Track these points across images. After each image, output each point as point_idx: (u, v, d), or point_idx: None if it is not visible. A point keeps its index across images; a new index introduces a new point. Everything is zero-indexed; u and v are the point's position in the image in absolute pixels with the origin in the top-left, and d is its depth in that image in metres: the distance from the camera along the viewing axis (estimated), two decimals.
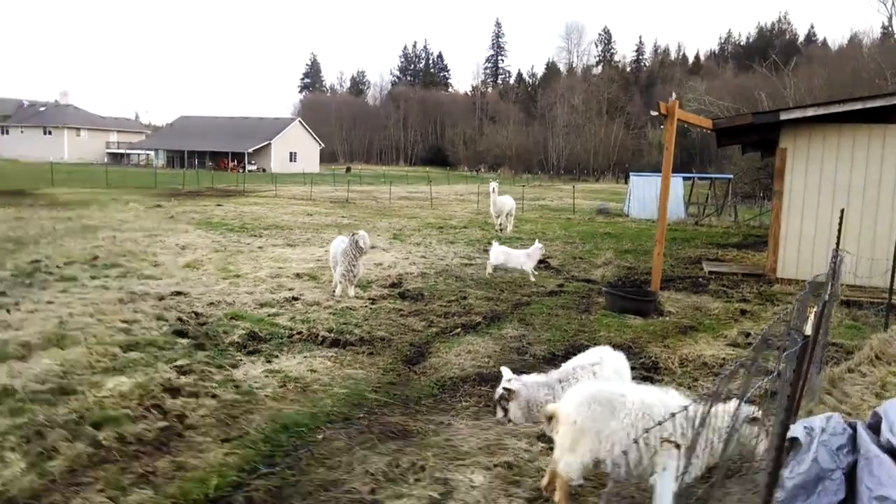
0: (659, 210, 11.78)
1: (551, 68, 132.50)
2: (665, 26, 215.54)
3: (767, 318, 11.47)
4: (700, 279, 15.12)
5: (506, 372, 5.46)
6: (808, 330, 3.65)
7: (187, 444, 5.50)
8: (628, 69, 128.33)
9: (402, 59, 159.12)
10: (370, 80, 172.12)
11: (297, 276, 13.07)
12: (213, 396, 6.52)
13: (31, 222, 20.58)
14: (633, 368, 8.73)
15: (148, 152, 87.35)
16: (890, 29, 64.70)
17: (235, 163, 78.41)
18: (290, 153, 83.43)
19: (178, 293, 10.93)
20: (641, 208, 30.01)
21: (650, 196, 30.63)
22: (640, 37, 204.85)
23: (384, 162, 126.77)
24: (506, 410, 5.46)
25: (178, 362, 7.43)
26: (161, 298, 10.55)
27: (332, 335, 9.06)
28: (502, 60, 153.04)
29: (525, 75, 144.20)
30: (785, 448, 4.74)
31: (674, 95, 12.06)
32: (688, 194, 33.61)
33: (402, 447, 5.62)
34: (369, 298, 11.53)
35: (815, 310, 3.62)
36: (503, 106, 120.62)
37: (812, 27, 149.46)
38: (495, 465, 5.29)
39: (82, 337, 8.11)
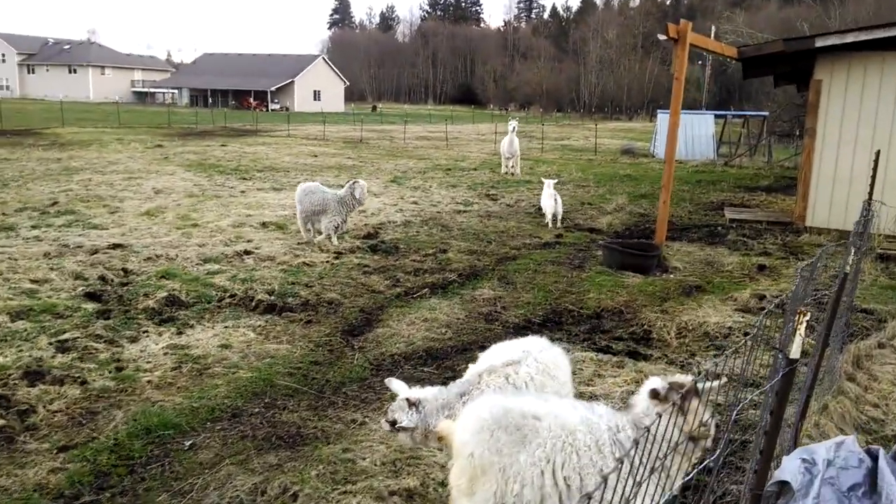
0: (666, 151, 10.20)
1: (587, 2, 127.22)
2: None
3: (789, 275, 9.96)
4: (719, 227, 13.53)
5: (397, 387, 4.02)
6: (795, 352, 2.29)
7: (11, 456, 4.35)
8: (668, 2, 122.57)
9: None
10: (399, 15, 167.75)
11: (263, 225, 11.83)
12: (82, 383, 5.36)
13: (14, 164, 19.61)
14: (620, 339, 7.46)
15: (172, 91, 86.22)
16: None
17: (258, 102, 76.93)
18: (314, 92, 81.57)
19: (118, 245, 9.78)
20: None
21: (679, 135, 28.59)
22: None
23: (413, 101, 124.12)
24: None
25: (65, 335, 6.28)
26: (94, 252, 9.41)
27: (272, 298, 7.83)
28: None
29: (560, 9, 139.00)
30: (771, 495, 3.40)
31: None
32: (720, 133, 31.41)
33: (283, 461, 4.40)
34: (334, 252, 10.27)
35: (803, 327, 2.24)
36: (535, 42, 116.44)
37: None
38: (392, 493, 4.05)
39: None
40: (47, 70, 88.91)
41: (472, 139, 39.43)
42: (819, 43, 12.09)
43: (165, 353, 6.08)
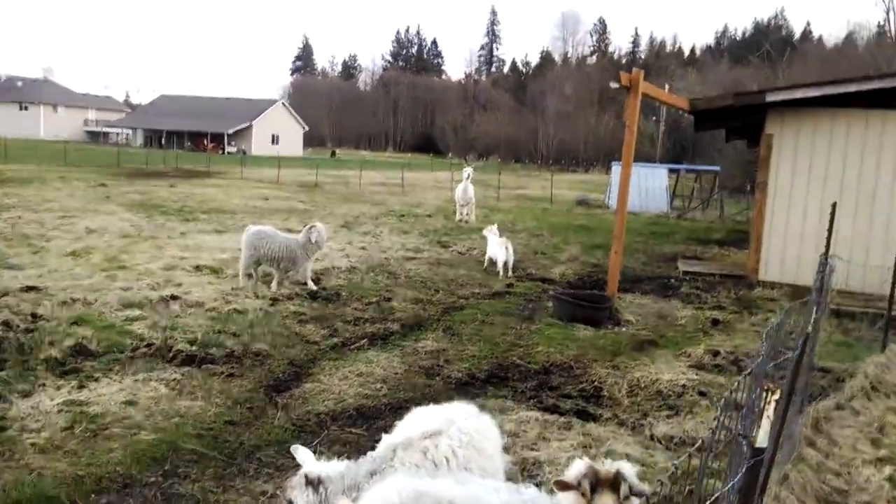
0: (617, 202, 9.93)
1: (546, 58, 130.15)
2: (661, 19, 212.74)
3: (743, 330, 9.66)
4: (672, 280, 13.28)
5: (302, 457, 3.38)
6: (763, 439, 1.83)
7: None
8: (623, 60, 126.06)
9: (395, 44, 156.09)
10: (362, 64, 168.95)
11: (197, 268, 11.16)
12: None
13: None
14: (569, 396, 6.97)
15: (126, 131, 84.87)
16: (887, 26, 62.93)
17: (214, 144, 76.04)
18: (273, 136, 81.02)
19: (32, 288, 9.02)
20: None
21: (634, 187, 28.65)
22: (636, 28, 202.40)
23: (373, 148, 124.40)
24: None
25: None
26: (4, 294, 8.64)
27: (193, 349, 7.18)
28: (497, 48, 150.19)
29: (519, 64, 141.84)
30: None
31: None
32: (673, 186, 31.74)
33: None
34: (270, 298, 9.66)
35: (772, 408, 1.78)
36: (495, 94, 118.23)
37: (808, 24, 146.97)
38: None
39: None
40: None
41: (430, 186, 39.23)
42: (770, 98, 12.09)
43: (60, 411, 5.39)
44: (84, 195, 22.36)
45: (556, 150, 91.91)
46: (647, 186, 28.71)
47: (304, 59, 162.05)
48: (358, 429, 5.63)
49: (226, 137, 76.09)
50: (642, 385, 7.24)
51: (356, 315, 9.18)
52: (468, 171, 21.03)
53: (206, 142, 76.06)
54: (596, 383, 7.24)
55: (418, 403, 6.25)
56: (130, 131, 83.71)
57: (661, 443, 5.92)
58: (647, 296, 11.53)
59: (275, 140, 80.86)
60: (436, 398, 6.43)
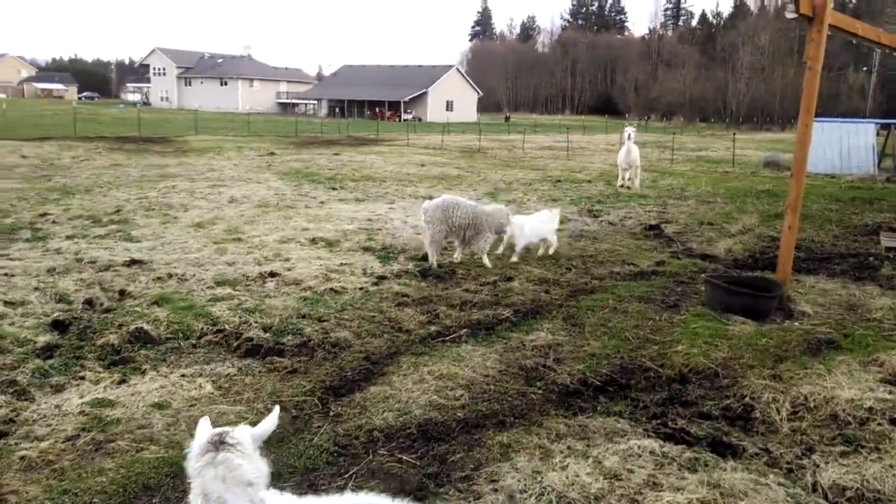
0: (794, 164, 7.83)
1: (739, 7, 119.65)
2: None
3: None
4: (871, 258, 10.79)
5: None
6: None
7: None
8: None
9: (575, 3, 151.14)
10: (540, 25, 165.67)
11: (313, 241, 10.50)
12: None
13: (119, 169, 19.72)
14: (707, 417, 5.37)
15: (313, 102, 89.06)
16: None
17: (392, 112, 77.66)
18: (447, 102, 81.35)
19: (136, 262, 8.74)
20: (820, 160, 24.37)
21: (832, 145, 24.98)
22: None
23: (550, 111, 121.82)
24: None
25: None
26: (106, 269, 8.39)
27: (265, 336, 6.39)
28: (685, 0, 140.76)
29: (709, 15, 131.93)
30: None
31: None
32: (883, 144, 27.19)
33: None
34: (378, 275, 8.75)
35: None
36: (680, 50, 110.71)
37: None
38: None
39: None
40: (202, 82, 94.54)
41: (600, 149, 36.99)
42: None
43: (80, 413, 4.73)
44: (249, 164, 22.96)
45: (748, 107, 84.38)
46: (850, 145, 24.77)
47: (483, 24, 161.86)
48: (411, 455, 4.48)
49: (402, 105, 77.39)
50: (811, 405, 5.46)
51: (465, 298, 8.01)
52: (630, 130, 18.98)
53: (383, 110, 77.90)
54: (747, 399, 5.56)
55: (501, 422, 5.03)
56: (316, 102, 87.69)
57: (826, 498, 4.25)
58: (834, 279, 9.32)
59: (449, 106, 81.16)
60: (526, 414, 5.15)
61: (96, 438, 4.39)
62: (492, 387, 5.63)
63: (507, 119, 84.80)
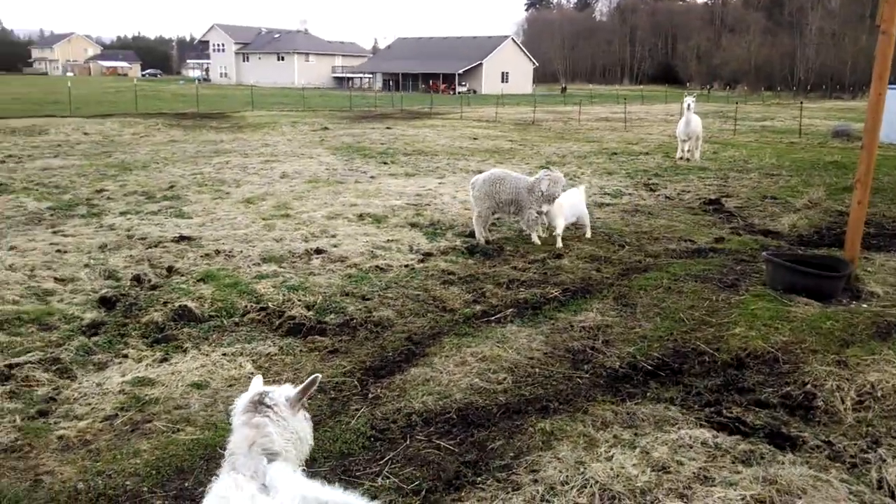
0: (864, 133, 7.31)
1: None
2: None
3: None
4: None
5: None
6: None
7: None
8: None
9: None
10: None
11: (360, 217, 10.41)
12: None
13: (175, 146, 20.03)
14: (765, 405, 5.05)
15: (368, 76, 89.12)
16: None
17: (446, 84, 77.15)
18: (502, 73, 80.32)
19: (185, 238, 8.79)
20: (893, 130, 23.08)
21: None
22: None
23: (608, 81, 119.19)
24: None
25: (24, 357, 5.15)
26: (156, 245, 8.46)
27: (308, 314, 6.32)
28: None
29: None
30: None
31: None
32: None
33: None
34: (424, 252, 8.61)
35: None
36: (745, 15, 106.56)
37: None
38: None
39: None
40: (259, 58, 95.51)
41: (658, 120, 35.97)
42: None
43: (120, 392, 4.74)
44: (302, 139, 23.05)
45: (817, 74, 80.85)
46: None
47: None
48: (449, 441, 4.34)
49: (456, 77, 76.77)
50: (878, 393, 5.11)
51: (513, 276, 7.80)
52: (689, 100, 18.26)
53: (438, 82, 77.43)
54: (808, 387, 5.24)
55: (544, 408, 4.84)
56: (371, 76, 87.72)
57: (893, 496, 3.95)
58: None
59: (504, 77, 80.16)
60: (571, 400, 4.95)
61: (133, 418, 4.38)
62: (536, 370, 5.44)
63: (563, 90, 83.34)
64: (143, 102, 40.11)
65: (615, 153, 20.22)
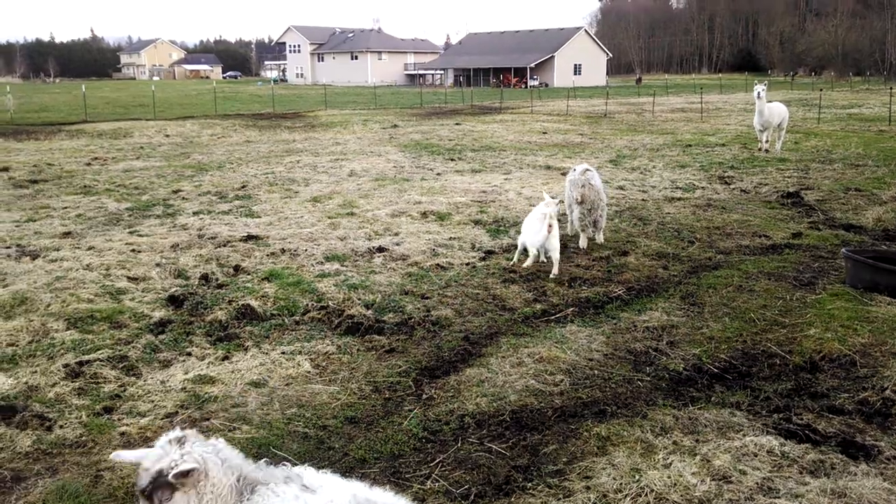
0: None
1: None
2: None
3: None
4: None
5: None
6: None
7: None
8: None
9: None
10: None
11: (424, 215, 10.42)
12: (48, 429, 4.31)
13: (250, 146, 20.56)
14: (839, 412, 4.76)
15: (439, 72, 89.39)
16: None
17: (517, 79, 76.63)
18: (575, 66, 79.16)
19: (253, 237, 8.99)
20: None
21: None
22: None
23: (685, 70, 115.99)
24: None
25: (93, 354, 5.36)
26: (225, 244, 8.68)
27: (367, 313, 6.36)
28: None
29: None
30: None
31: None
32: None
33: None
34: (486, 250, 8.55)
35: None
36: None
37: None
38: None
39: (46, 301, 6.46)
40: (333, 58, 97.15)
41: (738, 110, 34.72)
42: None
43: (182, 389, 4.87)
44: (372, 137, 23.30)
45: None
46: None
47: None
48: (501, 444, 4.27)
49: (528, 71, 76.13)
50: None
51: (576, 273, 7.65)
52: (759, 88, 17.42)
53: (510, 77, 77.00)
54: (887, 392, 4.94)
55: (600, 412, 4.71)
56: (442, 72, 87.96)
57: None
58: None
59: (577, 70, 79.02)
60: (630, 404, 4.80)
61: (193, 416, 4.49)
62: (595, 372, 5.30)
63: (638, 81, 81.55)
64: (222, 104, 41.38)
65: (689, 145, 19.63)
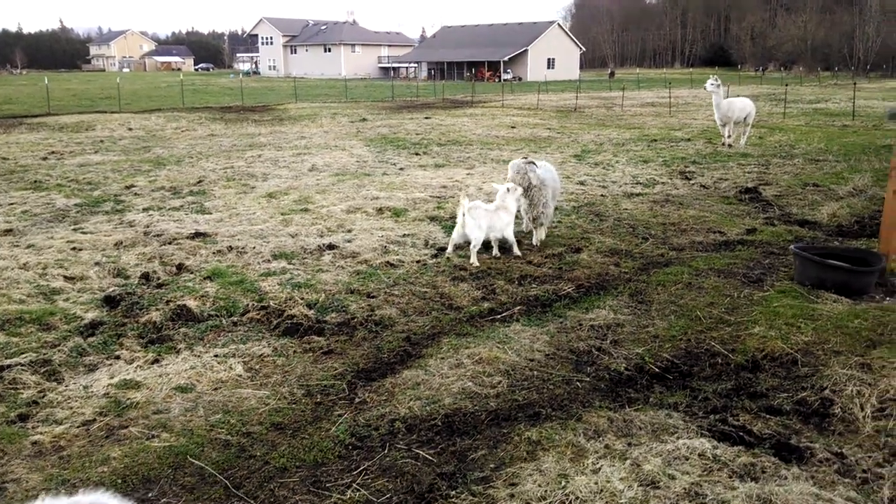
0: None
1: None
2: None
3: None
4: None
5: None
6: None
7: None
8: None
9: None
10: None
11: (379, 210, 10.26)
12: None
13: (213, 139, 20.23)
14: (777, 412, 4.68)
15: (413, 65, 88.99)
16: None
17: (491, 72, 76.51)
18: (548, 59, 79.23)
19: (201, 234, 8.78)
20: None
21: None
22: None
23: (658, 65, 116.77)
24: None
25: (14, 359, 5.14)
26: (171, 241, 8.47)
27: (309, 313, 6.21)
28: None
29: None
30: None
31: None
32: None
33: None
34: (439, 247, 8.43)
35: None
36: None
37: None
38: None
39: None
40: (306, 50, 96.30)
41: (706, 104, 34.88)
42: None
43: (105, 395, 4.69)
44: (339, 131, 23.05)
45: (877, 54, 77.62)
46: None
47: None
48: (429, 451, 4.16)
49: (501, 65, 76.06)
50: None
51: (527, 271, 7.56)
52: (710, 82, 17.36)
53: (483, 70, 76.86)
54: (826, 392, 4.90)
55: (535, 415, 4.62)
56: (416, 65, 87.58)
57: None
58: None
59: (550, 64, 79.11)
60: (565, 405, 4.72)
61: (111, 424, 4.32)
62: (535, 373, 5.21)
63: (611, 75, 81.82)
64: (192, 97, 40.81)
65: (655, 140, 19.67)
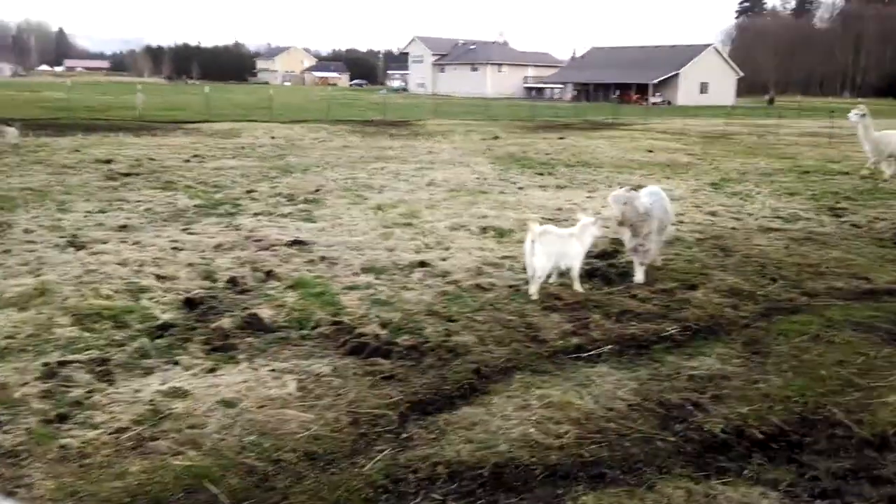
0: None
1: None
2: None
3: None
4: None
5: None
6: None
7: None
8: None
9: None
10: None
11: (483, 230, 9.82)
12: None
13: (349, 150, 20.65)
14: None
15: (558, 86, 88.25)
16: None
17: (638, 95, 74.34)
18: (701, 84, 75.98)
19: (299, 243, 8.70)
20: None
21: None
22: None
23: (824, 93, 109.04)
24: None
25: (76, 355, 5.13)
26: (268, 248, 8.45)
27: (382, 332, 5.87)
28: None
29: None
30: None
31: None
32: None
33: None
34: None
35: None
36: None
37: None
38: None
39: (65, 295, 6.37)
40: (454, 68, 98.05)
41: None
42: None
43: (149, 402, 4.54)
44: (469, 147, 22.91)
45: None
46: None
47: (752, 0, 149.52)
48: (466, 502, 3.65)
49: (650, 88, 73.77)
50: None
51: (628, 306, 6.84)
52: (853, 112, 15.74)
53: (630, 93, 74.89)
54: None
55: (598, 477, 3.98)
56: (561, 86, 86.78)
57: None
58: None
59: (703, 88, 75.85)
60: (638, 469, 4.05)
61: (142, 434, 4.13)
62: (611, 425, 4.55)
63: (770, 101, 77.24)
64: (339, 110, 42.35)
65: (807, 172, 17.98)
